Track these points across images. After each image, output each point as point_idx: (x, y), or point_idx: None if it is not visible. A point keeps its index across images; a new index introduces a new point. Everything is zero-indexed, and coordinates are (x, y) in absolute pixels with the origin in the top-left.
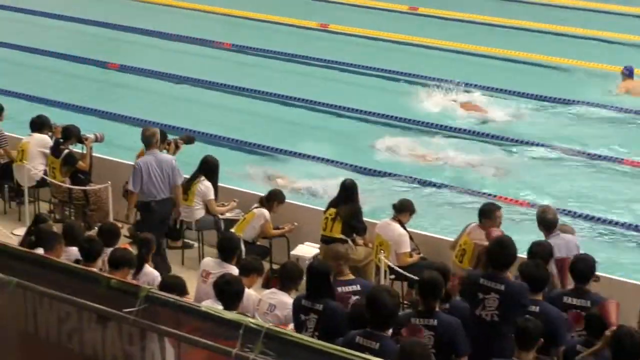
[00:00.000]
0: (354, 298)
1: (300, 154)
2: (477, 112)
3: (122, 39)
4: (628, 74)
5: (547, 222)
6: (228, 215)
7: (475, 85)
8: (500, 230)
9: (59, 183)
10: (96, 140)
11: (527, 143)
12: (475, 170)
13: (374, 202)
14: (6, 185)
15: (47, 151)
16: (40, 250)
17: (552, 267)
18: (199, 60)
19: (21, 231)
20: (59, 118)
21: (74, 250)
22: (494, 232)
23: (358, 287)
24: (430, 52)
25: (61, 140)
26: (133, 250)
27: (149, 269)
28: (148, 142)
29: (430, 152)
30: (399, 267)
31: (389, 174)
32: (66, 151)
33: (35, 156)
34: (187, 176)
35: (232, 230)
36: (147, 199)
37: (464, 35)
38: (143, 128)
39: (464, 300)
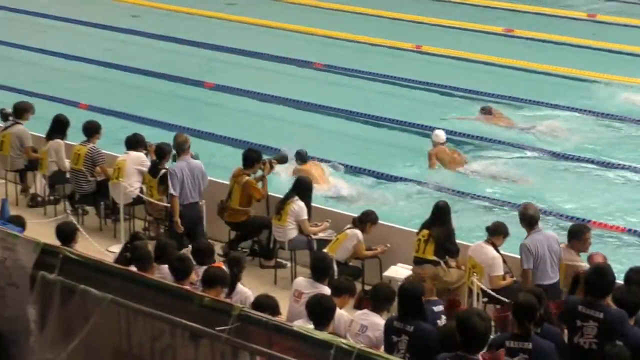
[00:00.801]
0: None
1: (391, 176)
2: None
3: (218, 58)
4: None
5: (528, 218)
6: (321, 235)
7: (572, 109)
8: (602, 256)
9: (156, 201)
10: (269, 168)
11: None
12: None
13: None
14: (102, 203)
15: (144, 169)
16: (134, 268)
17: None
18: (292, 80)
19: (116, 248)
20: (155, 137)
21: (166, 269)
22: (595, 258)
23: (441, 308)
24: (524, 75)
25: (157, 160)
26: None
27: (241, 288)
28: (181, 148)
29: (520, 175)
30: (492, 290)
31: (482, 197)
32: (163, 171)
33: (131, 174)
34: (280, 195)
35: (325, 250)
36: (180, 202)
37: (558, 57)
38: (176, 134)
39: (562, 324)
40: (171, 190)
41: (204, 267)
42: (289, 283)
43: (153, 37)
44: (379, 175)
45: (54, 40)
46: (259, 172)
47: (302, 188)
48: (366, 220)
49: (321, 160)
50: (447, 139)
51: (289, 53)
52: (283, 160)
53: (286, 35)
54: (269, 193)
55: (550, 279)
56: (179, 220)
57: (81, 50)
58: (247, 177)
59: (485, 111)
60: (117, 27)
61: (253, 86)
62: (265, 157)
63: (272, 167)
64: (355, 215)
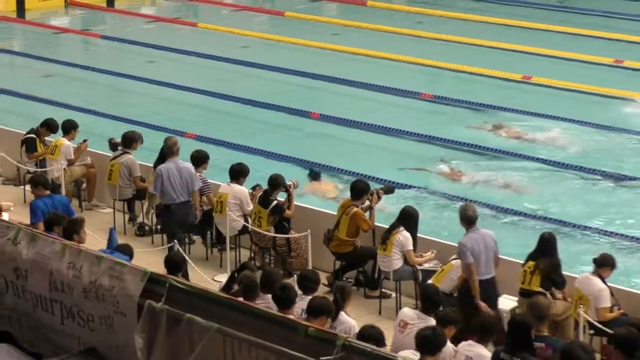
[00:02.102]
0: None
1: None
2: None
3: (324, 88)
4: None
5: (467, 217)
6: (426, 266)
7: None
8: None
9: (264, 232)
10: (295, 187)
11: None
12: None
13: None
14: (209, 232)
15: (244, 205)
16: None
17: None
18: (397, 110)
19: (222, 277)
20: (263, 166)
21: (271, 298)
22: None
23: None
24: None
25: (269, 190)
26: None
27: (345, 317)
28: (170, 150)
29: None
30: (599, 322)
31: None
32: (275, 202)
33: (232, 208)
34: (385, 226)
35: (430, 281)
36: (167, 202)
37: None
38: (165, 138)
39: None
40: (151, 189)
41: (309, 297)
42: (394, 313)
43: (261, 68)
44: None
45: (163, 70)
46: (366, 203)
47: (408, 218)
48: None
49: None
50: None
51: (395, 83)
52: (390, 190)
53: (392, 66)
54: (375, 223)
55: (485, 274)
56: (149, 212)
57: (190, 80)
58: (355, 208)
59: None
60: (226, 57)
61: (359, 116)
62: (372, 187)
63: (379, 198)
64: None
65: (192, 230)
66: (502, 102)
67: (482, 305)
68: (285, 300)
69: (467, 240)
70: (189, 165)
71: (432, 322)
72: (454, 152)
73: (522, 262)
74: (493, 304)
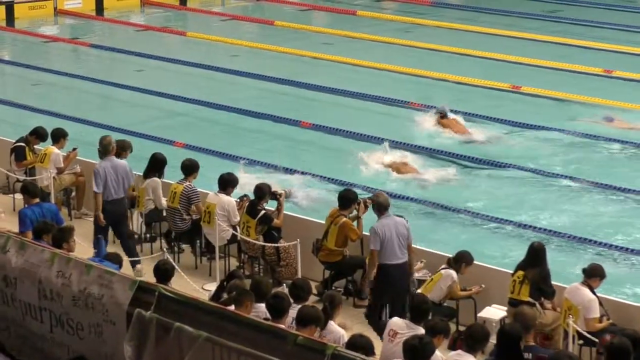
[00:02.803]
0: None
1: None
2: None
3: (314, 97)
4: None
5: (378, 205)
6: (415, 275)
7: None
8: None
9: (253, 241)
10: (286, 196)
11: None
12: None
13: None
14: (198, 241)
15: (231, 216)
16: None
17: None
18: (385, 119)
19: (212, 286)
20: (250, 175)
21: (262, 307)
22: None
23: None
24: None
25: (256, 200)
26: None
27: (334, 327)
28: (105, 149)
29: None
30: (588, 332)
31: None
32: (262, 212)
33: (220, 219)
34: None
35: (419, 290)
36: (104, 199)
37: None
38: (101, 137)
39: None
40: (94, 188)
41: (299, 306)
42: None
43: (250, 76)
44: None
45: (153, 79)
46: (354, 212)
47: None
48: (461, 260)
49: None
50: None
51: (384, 92)
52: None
53: (381, 75)
54: (364, 232)
55: (398, 258)
56: (101, 215)
57: (179, 89)
58: (344, 218)
59: (442, 115)
60: (215, 66)
61: (351, 125)
62: (360, 197)
63: (366, 207)
64: (450, 255)
65: (182, 239)
66: (491, 111)
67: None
68: (278, 309)
69: (378, 226)
70: (124, 162)
71: (422, 331)
72: (443, 162)
73: (511, 271)
74: (405, 287)
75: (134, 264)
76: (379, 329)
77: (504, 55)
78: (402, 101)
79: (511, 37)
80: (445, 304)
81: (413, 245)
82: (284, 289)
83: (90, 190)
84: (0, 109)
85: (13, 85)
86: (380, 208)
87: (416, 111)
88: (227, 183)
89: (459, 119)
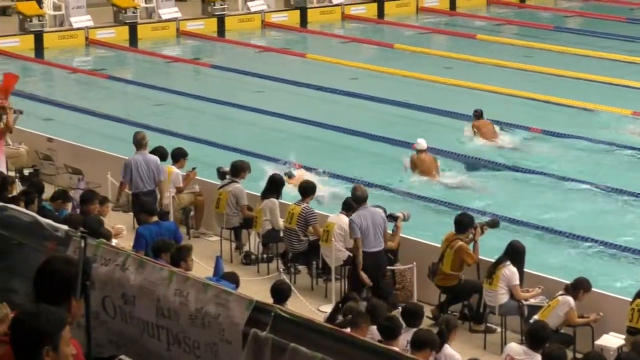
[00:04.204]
0: None
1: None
2: None
3: (430, 120)
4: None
5: (356, 197)
6: (532, 301)
7: None
8: None
9: None
10: (404, 219)
11: None
12: None
13: None
14: (314, 262)
15: (348, 237)
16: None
17: None
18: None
19: (327, 308)
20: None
21: (375, 329)
22: None
23: None
24: None
25: None
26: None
27: (449, 350)
28: (138, 144)
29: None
30: None
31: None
32: None
33: (338, 238)
34: (492, 260)
35: (536, 317)
36: (135, 190)
37: None
38: (135, 132)
39: None
40: (121, 178)
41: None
42: (499, 348)
43: (369, 99)
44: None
45: (272, 100)
46: (470, 236)
47: (515, 253)
48: (579, 287)
49: None
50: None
51: (503, 117)
52: (495, 224)
53: (500, 99)
54: (480, 257)
55: (374, 247)
56: (120, 198)
57: (298, 110)
58: (460, 242)
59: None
60: (334, 88)
61: (465, 150)
62: (477, 221)
63: (482, 232)
64: (568, 282)
65: (298, 260)
66: (615, 137)
67: (364, 276)
68: (391, 331)
69: (356, 217)
70: (155, 157)
71: (539, 358)
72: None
73: (630, 299)
74: (383, 272)
75: None
76: None
77: (625, 81)
78: (520, 126)
79: (634, 63)
80: (562, 331)
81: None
82: (399, 312)
83: (209, 210)
84: (121, 129)
85: (135, 105)
86: (359, 200)
87: (537, 135)
88: (349, 205)
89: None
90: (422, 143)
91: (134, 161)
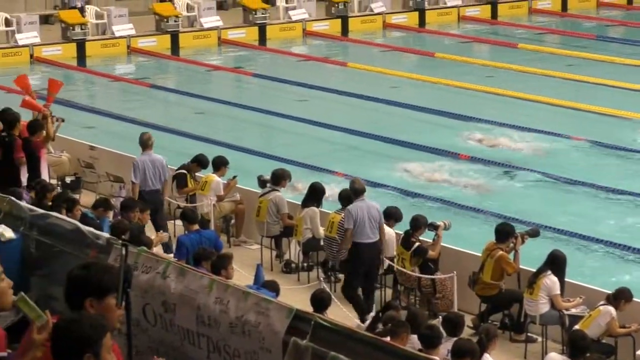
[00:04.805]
0: None
1: None
2: None
3: (476, 128)
4: None
5: (354, 190)
6: (573, 311)
7: None
8: None
9: (409, 272)
10: (445, 228)
11: None
12: None
13: None
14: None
15: (389, 247)
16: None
17: None
18: (547, 152)
19: (368, 316)
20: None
21: (415, 338)
22: None
23: None
24: None
25: (410, 231)
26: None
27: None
28: (144, 144)
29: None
30: None
31: None
32: (417, 244)
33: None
34: (532, 269)
35: (577, 326)
36: (141, 188)
37: None
38: (141, 133)
39: None
40: (132, 179)
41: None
42: (539, 358)
43: (410, 108)
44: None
45: (313, 109)
46: (511, 245)
47: (556, 262)
48: (620, 297)
49: None
50: None
51: (545, 126)
52: (536, 234)
53: (542, 108)
54: (520, 266)
55: (369, 238)
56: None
57: (339, 119)
58: (500, 252)
59: None
60: (375, 97)
61: (505, 158)
62: (517, 231)
63: (523, 241)
64: (609, 292)
65: (339, 269)
66: None
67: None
68: (431, 340)
69: (353, 207)
70: (160, 157)
71: None
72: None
73: None
74: (377, 263)
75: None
76: (356, 303)
77: None
78: (561, 134)
79: None
80: (603, 341)
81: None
82: (439, 321)
83: (250, 218)
84: (162, 137)
85: (176, 113)
86: (357, 193)
87: (579, 143)
88: (390, 216)
89: None
90: None
91: (141, 161)
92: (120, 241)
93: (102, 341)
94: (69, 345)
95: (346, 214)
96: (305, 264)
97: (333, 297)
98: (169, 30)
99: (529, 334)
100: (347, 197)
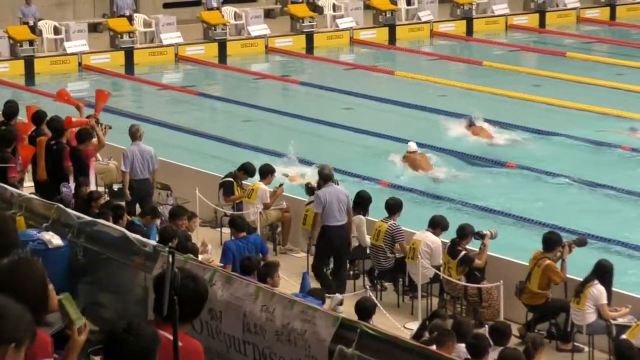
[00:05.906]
0: None
1: None
2: None
3: (521, 138)
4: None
5: (324, 175)
6: (620, 320)
7: None
8: None
9: (455, 281)
10: (491, 237)
11: None
12: None
13: None
14: (400, 279)
15: (434, 256)
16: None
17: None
18: (594, 162)
19: (413, 325)
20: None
21: (462, 347)
22: None
23: None
24: None
25: (457, 239)
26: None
27: None
28: (133, 135)
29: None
30: None
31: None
32: (463, 252)
33: (424, 256)
34: (579, 279)
35: (624, 336)
36: (131, 178)
37: None
38: (130, 125)
39: None
40: (122, 168)
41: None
42: None
43: (458, 117)
44: None
45: (361, 117)
46: (558, 254)
47: (603, 272)
48: None
49: None
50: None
51: (594, 135)
52: (583, 243)
53: (591, 117)
54: (567, 275)
55: (337, 221)
56: (128, 192)
57: (387, 128)
58: (547, 261)
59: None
60: (423, 105)
61: (559, 168)
62: (564, 239)
63: (570, 250)
64: None
65: (384, 277)
66: None
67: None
68: (478, 349)
69: (322, 193)
70: (149, 148)
71: None
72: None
73: None
74: (345, 245)
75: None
76: (324, 282)
77: None
78: (610, 144)
79: None
80: None
81: None
82: (486, 330)
83: (296, 226)
84: (209, 145)
85: (223, 121)
86: (326, 179)
87: (627, 153)
88: (438, 224)
89: (486, 126)
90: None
91: (130, 152)
92: (167, 248)
93: (157, 352)
94: (132, 358)
95: (315, 199)
96: (351, 272)
97: (379, 305)
98: (217, 38)
99: (575, 344)
100: (394, 206)
